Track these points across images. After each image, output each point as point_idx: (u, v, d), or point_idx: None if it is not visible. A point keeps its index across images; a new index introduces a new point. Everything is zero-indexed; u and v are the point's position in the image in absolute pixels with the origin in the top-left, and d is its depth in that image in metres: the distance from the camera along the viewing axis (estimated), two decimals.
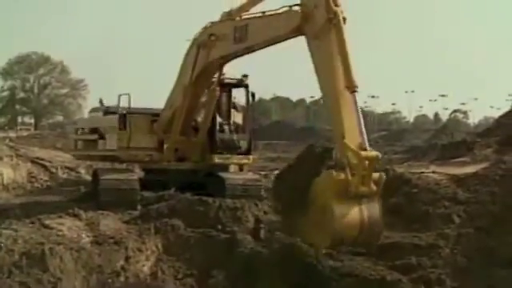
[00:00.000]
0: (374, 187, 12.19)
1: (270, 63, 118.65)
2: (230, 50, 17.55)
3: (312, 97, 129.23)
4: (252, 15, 16.82)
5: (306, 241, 13.07)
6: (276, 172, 19.09)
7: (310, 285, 12.73)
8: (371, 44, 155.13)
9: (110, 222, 16.59)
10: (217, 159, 19.69)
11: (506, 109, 36.19)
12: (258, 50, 16.90)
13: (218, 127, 19.88)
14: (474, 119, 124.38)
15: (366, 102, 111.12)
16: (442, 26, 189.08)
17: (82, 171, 25.61)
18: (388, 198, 14.70)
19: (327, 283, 12.67)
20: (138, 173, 20.09)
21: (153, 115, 20.17)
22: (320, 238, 12.57)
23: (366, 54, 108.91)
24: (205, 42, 17.96)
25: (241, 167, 20.63)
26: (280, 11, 15.22)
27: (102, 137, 20.59)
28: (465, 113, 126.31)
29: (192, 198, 17.21)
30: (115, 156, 20.15)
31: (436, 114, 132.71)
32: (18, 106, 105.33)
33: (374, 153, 12.34)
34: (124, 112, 19.75)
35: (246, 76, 20.14)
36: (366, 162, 12.10)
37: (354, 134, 12.57)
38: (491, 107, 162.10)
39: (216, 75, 18.87)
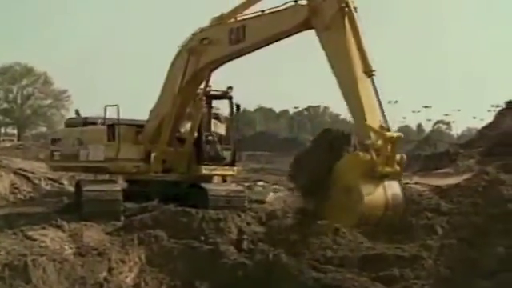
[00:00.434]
0: (397, 167, 12.50)
1: (255, 74, 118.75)
2: (224, 53, 17.71)
3: (296, 107, 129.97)
4: (248, 16, 16.97)
5: (331, 222, 13.34)
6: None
7: None
8: None
9: (93, 233, 16.51)
10: (204, 170, 19.67)
11: (488, 120, 36.50)
12: (253, 51, 17.13)
13: (204, 138, 19.88)
14: (457, 130, 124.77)
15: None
16: (426, 37, 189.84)
17: (65, 182, 25.47)
18: None
19: None
20: (121, 184, 19.97)
21: (137, 126, 20.13)
22: (347, 218, 12.91)
23: None
24: (195, 47, 18.09)
25: (224, 178, 20.63)
26: (284, 7, 15.50)
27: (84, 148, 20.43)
28: (448, 124, 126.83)
29: (175, 209, 17.15)
30: (101, 167, 20.01)
31: (419, 125, 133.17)
32: (0, 117, 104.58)
33: (397, 133, 12.73)
34: (111, 123, 19.66)
35: (230, 88, 20.17)
36: (390, 143, 12.45)
37: (375, 116, 13.12)
38: (474, 118, 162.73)
39: (203, 85, 18.91)
